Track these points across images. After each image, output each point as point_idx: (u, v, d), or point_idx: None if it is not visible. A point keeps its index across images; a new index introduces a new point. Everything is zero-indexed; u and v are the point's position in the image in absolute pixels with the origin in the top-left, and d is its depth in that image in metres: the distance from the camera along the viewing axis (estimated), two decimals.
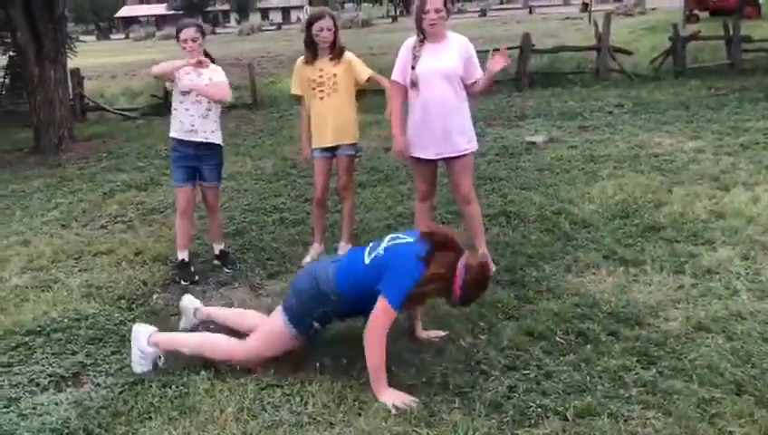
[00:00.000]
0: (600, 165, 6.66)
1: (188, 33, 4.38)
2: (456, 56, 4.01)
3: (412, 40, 4.09)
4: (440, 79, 3.99)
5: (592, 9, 35.35)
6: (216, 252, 4.84)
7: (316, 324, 3.16)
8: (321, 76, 4.46)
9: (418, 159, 4.22)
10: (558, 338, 3.36)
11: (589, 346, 3.27)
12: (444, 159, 4.17)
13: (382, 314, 2.95)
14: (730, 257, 4.22)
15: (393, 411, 2.79)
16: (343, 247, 4.77)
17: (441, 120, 4.03)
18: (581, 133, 8.29)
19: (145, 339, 3.33)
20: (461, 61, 4.02)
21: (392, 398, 2.87)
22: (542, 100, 11.12)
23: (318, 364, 3.19)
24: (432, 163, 4.23)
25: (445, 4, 3.93)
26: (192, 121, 4.43)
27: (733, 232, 4.60)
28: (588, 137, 8.02)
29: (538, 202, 5.59)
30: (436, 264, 2.96)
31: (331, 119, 4.50)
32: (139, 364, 3.30)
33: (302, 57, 4.56)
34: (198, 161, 4.54)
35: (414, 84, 4.02)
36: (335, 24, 4.43)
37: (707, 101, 9.83)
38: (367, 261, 3.10)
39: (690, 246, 4.46)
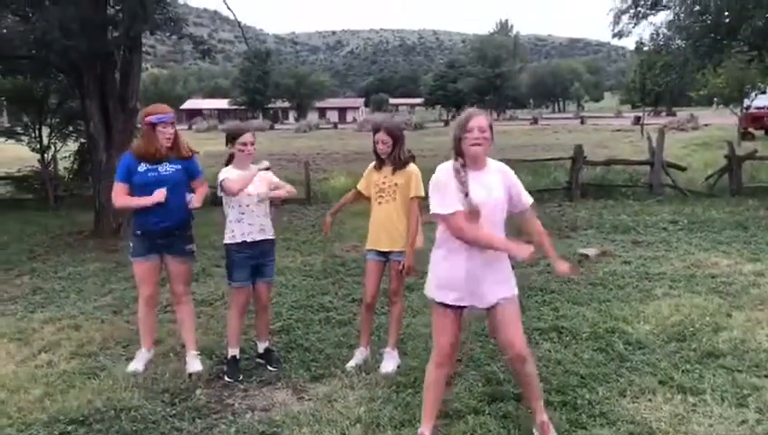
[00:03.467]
0: (655, 283, 6.51)
1: (249, 136, 4.51)
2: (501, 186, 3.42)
3: (448, 164, 3.43)
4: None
5: (645, 123, 35.67)
6: (261, 350, 4.82)
7: None
8: (384, 183, 4.59)
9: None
10: None
11: None
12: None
13: None
14: None
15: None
16: (389, 353, 4.70)
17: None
18: (635, 248, 8.17)
19: None
20: (506, 191, 3.43)
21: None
22: (593, 211, 11.07)
23: None
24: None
25: (490, 127, 3.35)
26: (261, 222, 4.56)
27: None
28: (642, 253, 7.88)
29: (591, 318, 5.45)
30: None
31: (387, 225, 4.60)
32: None
33: (374, 162, 4.72)
34: (263, 258, 4.62)
35: (473, 214, 3.29)
36: (391, 136, 4.50)
37: (766, 221, 9.62)
38: None
39: (753, 377, 4.25)
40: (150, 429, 3.77)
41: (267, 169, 4.59)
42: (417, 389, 4.19)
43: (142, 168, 4.53)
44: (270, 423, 3.84)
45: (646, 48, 19.24)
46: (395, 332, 4.77)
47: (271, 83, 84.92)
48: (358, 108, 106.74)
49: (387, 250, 4.64)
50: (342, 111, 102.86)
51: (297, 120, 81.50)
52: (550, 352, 4.78)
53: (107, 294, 6.77)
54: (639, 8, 17.81)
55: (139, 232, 4.60)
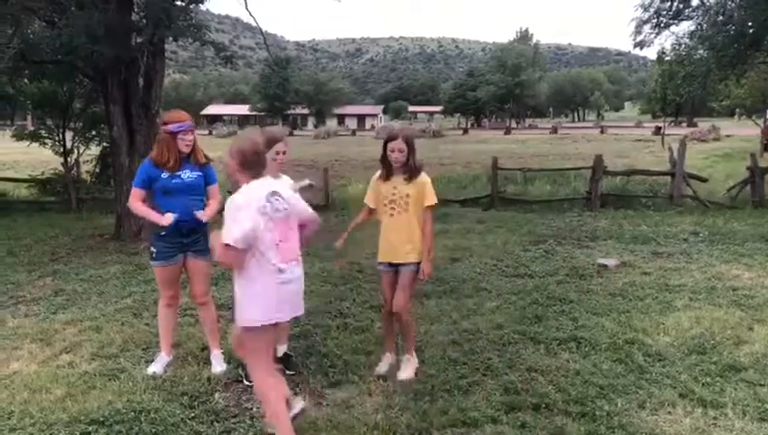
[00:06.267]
0: (675, 295, 6.45)
1: (281, 145, 4.45)
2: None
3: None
4: None
5: (665, 133, 35.43)
6: (280, 354, 4.84)
7: None
8: (393, 194, 4.49)
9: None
10: None
11: None
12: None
13: None
14: None
15: None
16: (407, 360, 4.67)
17: None
18: (655, 259, 8.10)
19: None
20: None
21: None
22: (613, 221, 11.00)
23: None
24: None
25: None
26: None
27: None
28: (662, 264, 7.82)
29: (610, 329, 5.41)
30: None
31: (397, 237, 4.51)
32: None
33: (379, 172, 4.60)
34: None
35: None
36: (408, 145, 4.43)
37: None
38: None
39: None
40: (170, 431, 3.80)
41: (310, 186, 4.60)
42: (435, 397, 4.20)
43: (165, 174, 4.58)
44: None
45: (667, 58, 19.15)
46: (410, 340, 4.73)
47: (290, 90, 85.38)
48: (376, 115, 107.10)
49: (401, 262, 4.55)
50: (361, 117, 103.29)
51: (316, 126, 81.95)
52: (568, 362, 4.75)
53: (127, 296, 6.84)
54: (661, 18, 17.70)
55: (163, 232, 4.61)
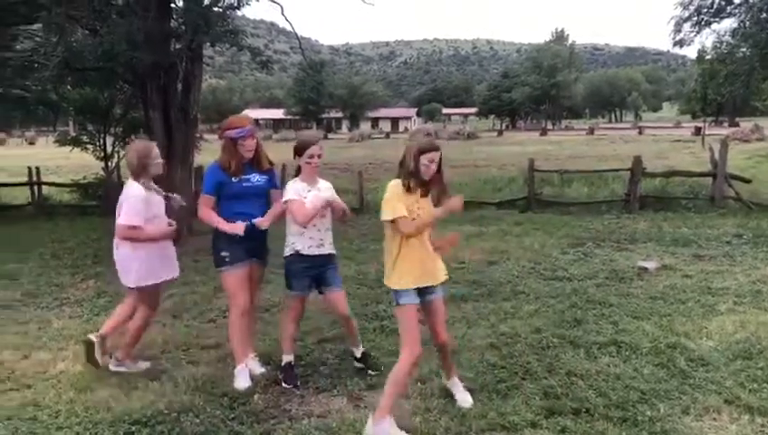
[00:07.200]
0: (719, 298, 6.31)
1: (316, 149, 4.49)
2: None
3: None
4: None
5: (706, 133, 34.69)
6: (358, 355, 4.85)
7: None
8: (419, 209, 3.90)
9: None
10: None
11: None
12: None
13: None
14: None
15: None
16: (455, 384, 4.27)
17: None
18: (697, 262, 7.93)
19: None
20: None
21: None
22: (653, 224, 10.81)
23: None
24: None
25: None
26: (321, 236, 4.58)
27: None
28: (704, 267, 7.65)
29: (651, 333, 5.32)
30: None
31: (428, 255, 3.97)
32: None
33: (400, 182, 3.90)
34: (322, 267, 4.62)
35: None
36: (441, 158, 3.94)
37: None
38: None
39: None
40: (210, 432, 3.85)
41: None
42: (474, 400, 4.17)
43: (235, 178, 4.54)
44: (326, 430, 3.87)
45: (708, 56, 18.77)
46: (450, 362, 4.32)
47: (325, 93, 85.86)
48: (410, 117, 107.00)
49: (436, 283, 4.04)
50: (395, 120, 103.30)
51: (350, 129, 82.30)
52: (609, 366, 4.68)
53: (167, 298, 6.93)
54: (702, 16, 17.36)
55: (237, 237, 4.55)
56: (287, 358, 4.68)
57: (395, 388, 3.81)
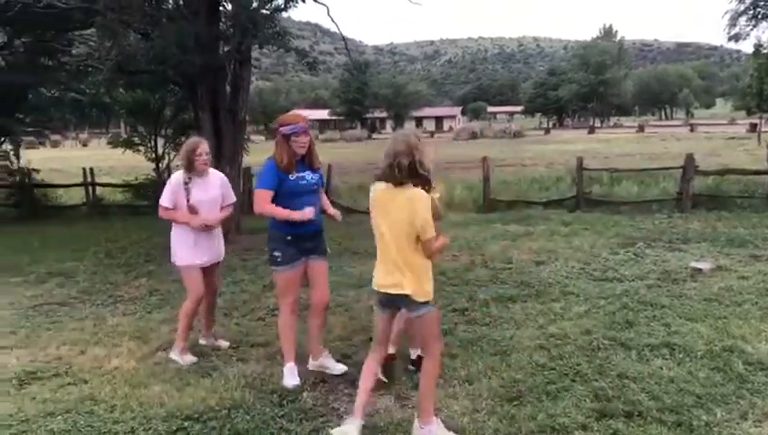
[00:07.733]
0: None
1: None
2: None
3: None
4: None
5: (762, 130, 33.61)
6: (414, 356, 4.82)
7: None
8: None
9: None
10: None
11: None
12: None
13: None
14: None
15: None
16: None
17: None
18: (754, 263, 7.69)
19: None
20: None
21: None
22: (706, 223, 10.52)
23: None
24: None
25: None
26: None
27: None
28: (761, 268, 7.41)
29: (706, 336, 5.17)
30: None
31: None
32: None
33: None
34: None
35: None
36: None
37: None
38: None
39: None
40: (261, 428, 3.90)
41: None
42: (523, 402, 4.13)
43: (293, 175, 4.56)
44: (374, 428, 3.88)
45: (765, 51, 18.14)
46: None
47: (369, 94, 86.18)
48: (455, 116, 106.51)
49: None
50: (439, 119, 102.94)
51: (394, 129, 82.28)
52: (662, 369, 4.57)
53: (218, 296, 7.05)
54: (759, 9, 16.79)
55: (289, 237, 4.57)
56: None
57: (432, 388, 3.80)
